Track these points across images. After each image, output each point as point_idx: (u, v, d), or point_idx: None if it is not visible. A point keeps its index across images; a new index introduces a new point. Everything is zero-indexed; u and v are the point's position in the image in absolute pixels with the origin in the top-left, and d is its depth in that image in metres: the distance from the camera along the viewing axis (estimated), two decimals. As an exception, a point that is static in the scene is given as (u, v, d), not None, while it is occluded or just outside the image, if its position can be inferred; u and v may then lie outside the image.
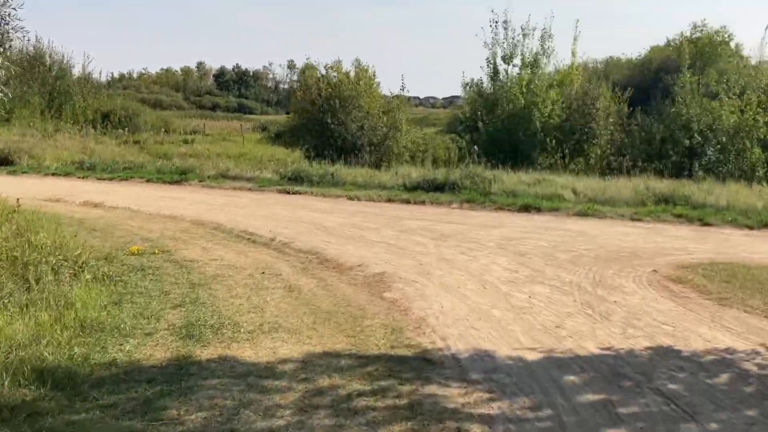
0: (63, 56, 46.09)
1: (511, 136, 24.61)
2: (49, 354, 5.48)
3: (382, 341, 6.19)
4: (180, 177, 18.46)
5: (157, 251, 9.66)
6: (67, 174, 19.43)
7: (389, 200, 15.50)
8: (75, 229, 10.42)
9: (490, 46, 25.88)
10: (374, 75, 25.98)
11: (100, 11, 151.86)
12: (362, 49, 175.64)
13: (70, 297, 6.82)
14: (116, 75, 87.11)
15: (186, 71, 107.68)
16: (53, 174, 19.49)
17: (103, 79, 59.99)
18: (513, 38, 25.59)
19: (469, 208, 14.78)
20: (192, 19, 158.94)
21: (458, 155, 26.53)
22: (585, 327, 6.74)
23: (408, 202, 15.28)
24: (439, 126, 47.92)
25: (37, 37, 39.71)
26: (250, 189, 17.09)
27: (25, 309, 6.45)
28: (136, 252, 9.54)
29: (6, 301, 6.73)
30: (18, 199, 10.54)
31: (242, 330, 6.38)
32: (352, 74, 25.66)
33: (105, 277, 7.86)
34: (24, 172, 19.69)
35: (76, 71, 47.91)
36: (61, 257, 7.81)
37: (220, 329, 6.38)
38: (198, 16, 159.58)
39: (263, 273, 8.68)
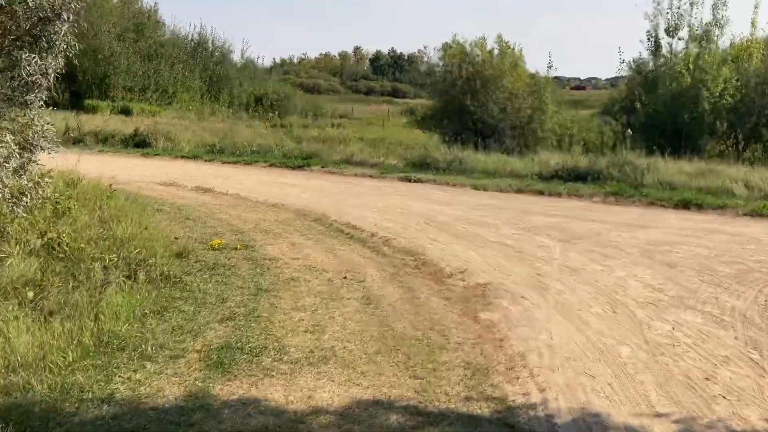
0: (224, 42, 47.76)
1: (674, 119, 21.64)
2: (38, 382, 4.49)
3: (456, 388, 4.67)
4: (303, 162, 17.65)
5: (239, 246, 8.66)
6: (195, 157, 19.25)
7: (519, 191, 13.70)
8: (161, 216, 9.71)
9: (652, 18, 22.98)
10: (521, 53, 23.94)
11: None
12: (515, 27, 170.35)
13: (106, 303, 5.88)
14: (278, 60, 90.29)
15: (343, 56, 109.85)
16: (183, 157, 19.38)
17: (265, 64, 62.02)
18: (678, 7, 22.54)
19: (614, 203, 12.71)
20: (351, 3, 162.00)
21: (613, 139, 23.90)
22: (747, 382, 4.82)
23: (541, 193, 13.41)
24: (597, 108, 44.39)
25: (201, 24, 41.10)
26: (371, 176, 15.89)
27: (48, 316, 5.57)
28: (216, 246, 8.59)
29: (44, 303, 5.92)
30: (111, 185, 10.02)
31: (285, 358, 5.10)
32: (495, 52, 23.76)
33: (162, 278, 6.89)
34: (156, 155, 19.75)
35: (236, 57, 49.48)
36: (114, 254, 6.93)
37: (259, 355, 5.14)
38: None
39: (344, 278, 7.39)
